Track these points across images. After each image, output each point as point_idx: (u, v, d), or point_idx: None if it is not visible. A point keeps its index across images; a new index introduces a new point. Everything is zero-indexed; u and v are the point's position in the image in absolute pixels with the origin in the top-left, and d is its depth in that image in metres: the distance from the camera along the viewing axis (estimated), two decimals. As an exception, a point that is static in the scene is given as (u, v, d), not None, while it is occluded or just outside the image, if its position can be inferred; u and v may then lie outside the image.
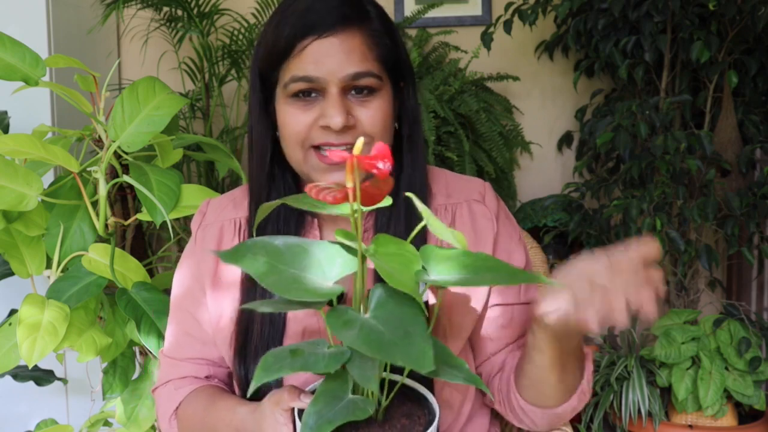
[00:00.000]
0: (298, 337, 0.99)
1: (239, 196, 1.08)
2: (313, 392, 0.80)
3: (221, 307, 1.04)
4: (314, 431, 0.68)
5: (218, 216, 1.07)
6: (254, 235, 0.99)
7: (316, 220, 1.03)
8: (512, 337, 1.03)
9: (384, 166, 0.65)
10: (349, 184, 0.67)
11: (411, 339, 0.65)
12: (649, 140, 2.18)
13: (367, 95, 0.94)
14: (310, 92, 0.94)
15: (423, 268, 0.72)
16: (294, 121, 0.95)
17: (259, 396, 0.97)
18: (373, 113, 0.94)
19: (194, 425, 1.02)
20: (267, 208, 0.76)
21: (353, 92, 0.94)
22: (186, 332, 1.08)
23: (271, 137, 1.00)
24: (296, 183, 1.03)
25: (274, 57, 0.95)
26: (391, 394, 0.75)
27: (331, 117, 0.92)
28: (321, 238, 1.03)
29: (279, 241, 0.73)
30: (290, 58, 0.94)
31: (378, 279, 0.72)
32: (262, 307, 0.75)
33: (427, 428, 0.75)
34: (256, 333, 0.98)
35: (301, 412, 0.78)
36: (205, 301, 1.05)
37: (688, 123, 2.32)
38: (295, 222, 1.01)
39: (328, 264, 0.72)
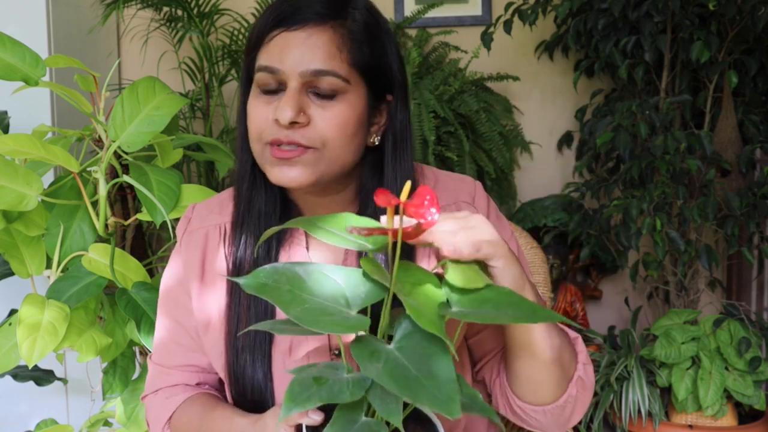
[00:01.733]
0: (286, 340, 0.98)
1: (226, 199, 1.05)
2: (320, 409, 0.80)
3: (208, 314, 1.02)
4: None
5: (203, 221, 1.04)
6: (253, 249, 0.98)
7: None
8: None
9: (432, 217, 0.65)
10: (389, 227, 0.67)
11: (437, 381, 0.64)
12: (649, 140, 2.19)
13: (329, 98, 0.90)
14: (276, 90, 0.91)
15: (447, 301, 0.71)
16: (255, 113, 0.92)
17: (252, 406, 0.97)
18: (330, 117, 0.90)
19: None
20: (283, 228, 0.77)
21: (316, 92, 0.90)
22: (174, 339, 1.06)
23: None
24: (280, 187, 1.00)
25: (248, 48, 0.94)
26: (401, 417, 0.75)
27: (282, 111, 0.88)
28: (307, 246, 1.01)
29: (299, 268, 0.73)
30: (260, 48, 0.92)
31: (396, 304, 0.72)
32: (273, 328, 0.74)
33: None
34: (242, 337, 0.97)
35: (308, 429, 0.78)
36: (191, 307, 1.03)
37: (688, 123, 2.32)
38: (277, 224, 0.99)
39: (351, 293, 0.72)
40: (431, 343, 0.68)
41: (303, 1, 0.91)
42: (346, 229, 0.70)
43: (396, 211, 0.68)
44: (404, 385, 0.64)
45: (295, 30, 0.89)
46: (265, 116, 0.91)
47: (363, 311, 0.72)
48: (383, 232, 0.68)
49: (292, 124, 0.89)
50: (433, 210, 0.66)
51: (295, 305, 0.69)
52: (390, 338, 0.71)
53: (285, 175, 0.91)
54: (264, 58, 0.91)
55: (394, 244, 0.70)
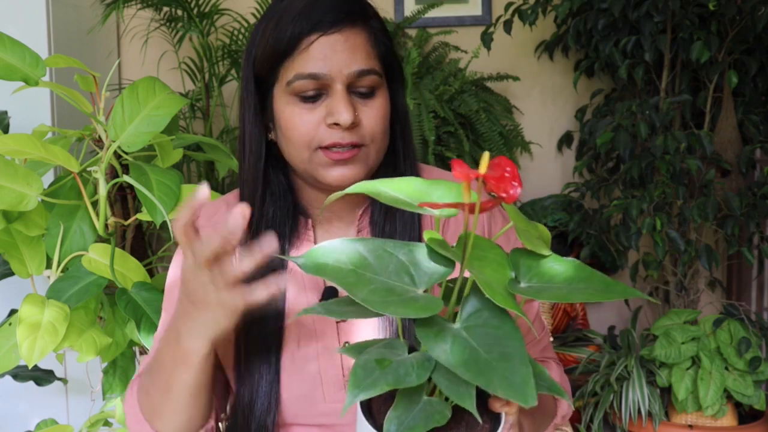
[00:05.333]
0: (294, 341, 0.98)
1: (232, 201, 1.06)
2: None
3: None
4: None
5: (209, 220, 1.05)
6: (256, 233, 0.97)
7: (309, 221, 1.02)
8: None
9: (514, 191, 0.61)
10: (466, 200, 0.62)
11: (510, 363, 0.60)
12: (649, 140, 2.19)
13: (369, 95, 0.94)
14: (315, 96, 0.93)
15: (515, 276, 0.67)
16: (300, 121, 0.93)
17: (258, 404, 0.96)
18: (375, 112, 0.94)
19: (147, 376, 0.97)
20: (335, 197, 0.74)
21: (356, 92, 0.94)
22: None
23: (264, 141, 0.99)
24: (289, 184, 1.02)
25: (275, 56, 0.94)
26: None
27: (340, 114, 0.90)
28: (315, 240, 1.02)
29: (359, 245, 0.68)
30: (294, 55, 0.93)
31: None
32: (329, 311, 0.69)
33: (495, 426, 0.70)
34: (252, 337, 0.97)
35: (362, 406, 0.72)
36: None
37: (688, 123, 2.32)
38: (289, 224, 1.00)
39: (415, 270, 0.67)
40: (501, 321, 0.63)
41: (325, 3, 0.93)
42: (417, 204, 0.66)
43: (473, 184, 0.63)
44: (475, 369, 0.59)
45: (333, 34, 0.92)
46: (311, 122, 0.93)
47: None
48: (458, 206, 0.63)
49: (351, 125, 0.91)
50: (515, 183, 0.60)
51: (361, 286, 0.64)
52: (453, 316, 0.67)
53: (344, 174, 0.93)
54: (302, 65, 0.92)
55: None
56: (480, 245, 0.67)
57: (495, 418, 0.72)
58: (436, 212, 0.66)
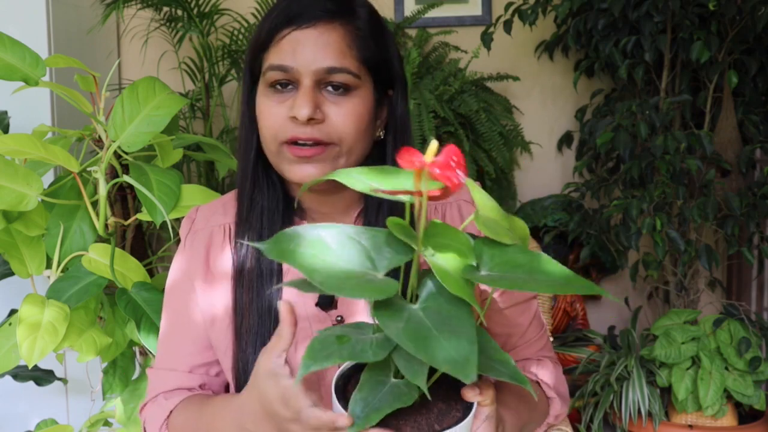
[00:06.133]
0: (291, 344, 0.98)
1: (229, 201, 1.06)
2: (353, 369, 0.76)
3: (213, 311, 1.02)
4: (362, 420, 0.65)
5: (207, 222, 1.05)
6: (246, 232, 0.98)
7: (304, 222, 1.02)
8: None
9: (459, 180, 0.62)
10: (415, 189, 0.64)
11: (458, 341, 0.61)
12: (649, 140, 2.19)
13: (342, 93, 0.93)
14: (286, 84, 0.93)
15: (475, 264, 0.68)
16: (268, 113, 0.94)
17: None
18: (345, 113, 0.93)
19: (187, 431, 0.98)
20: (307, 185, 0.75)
21: (329, 88, 0.93)
22: (176, 339, 1.05)
23: (256, 134, 0.99)
24: (281, 181, 1.02)
25: (256, 48, 0.96)
26: (431, 380, 0.71)
27: (299, 108, 0.90)
28: None
29: (322, 230, 0.69)
30: (269, 47, 0.94)
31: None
32: (302, 287, 0.69)
33: (465, 414, 0.72)
34: (246, 329, 0.97)
35: (337, 387, 0.74)
36: (195, 304, 1.04)
37: (688, 123, 2.32)
38: (281, 221, 1.00)
39: (376, 254, 0.68)
40: (456, 304, 0.65)
41: (308, 0, 0.94)
42: (371, 188, 0.67)
43: (422, 173, 0.64)
44: (422, 344, 0.61)
45: (306, 28, 0.92)
46: (279, 115, 0.93)
47: (392, 275, 0.68)
48: (410, 193, 0.65)
49: (309, 120, 0.91)
50: (460, 172, 0.61)
51: (321, 272, 0.65)
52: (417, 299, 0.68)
53: (305, 172, 0.93)
54: (275, 57, 0.93)
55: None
56: (445, 233, 0.68)
57: (468, 408, 0.73)
58: (406, 198, 0.67)
